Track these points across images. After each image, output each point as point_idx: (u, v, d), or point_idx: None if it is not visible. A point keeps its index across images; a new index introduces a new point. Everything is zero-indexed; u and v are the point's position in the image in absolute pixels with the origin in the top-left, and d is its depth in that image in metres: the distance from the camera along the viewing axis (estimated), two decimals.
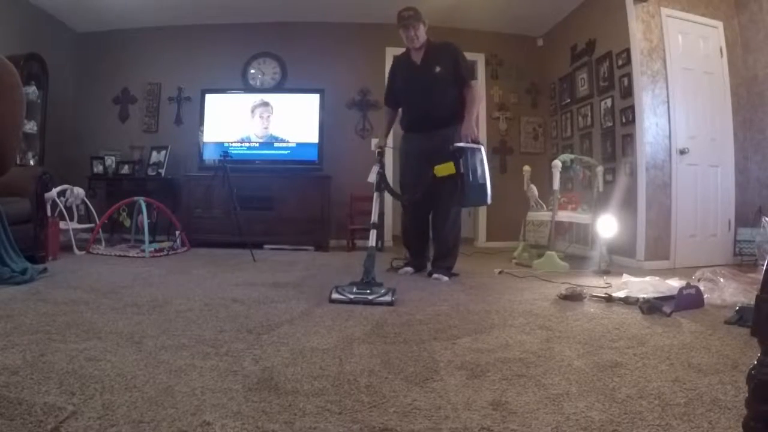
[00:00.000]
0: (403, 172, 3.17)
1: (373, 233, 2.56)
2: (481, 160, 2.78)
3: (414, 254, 3.19)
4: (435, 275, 2.89)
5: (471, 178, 2.74)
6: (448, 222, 2.97)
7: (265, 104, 4.93)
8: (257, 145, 4.90)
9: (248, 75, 5.30)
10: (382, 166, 2.84)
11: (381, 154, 2.98)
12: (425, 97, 2.97)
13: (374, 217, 2.60)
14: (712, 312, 2.03)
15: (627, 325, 1.83)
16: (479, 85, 2.97)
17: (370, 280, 2.31)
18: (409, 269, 3.13)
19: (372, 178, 2.78)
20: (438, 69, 2.94)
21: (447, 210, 2.94)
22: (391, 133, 3.36)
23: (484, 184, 2.77)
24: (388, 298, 2.10)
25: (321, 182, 4.73)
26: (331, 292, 2.17)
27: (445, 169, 2.76)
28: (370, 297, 2.11)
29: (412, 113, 3.11)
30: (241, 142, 4.88)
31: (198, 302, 2.08)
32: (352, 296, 2.13)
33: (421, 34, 2.97)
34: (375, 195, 2.74)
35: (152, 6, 4.79)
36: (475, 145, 2.81)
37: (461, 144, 2.81)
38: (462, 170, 2.74)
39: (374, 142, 5.21)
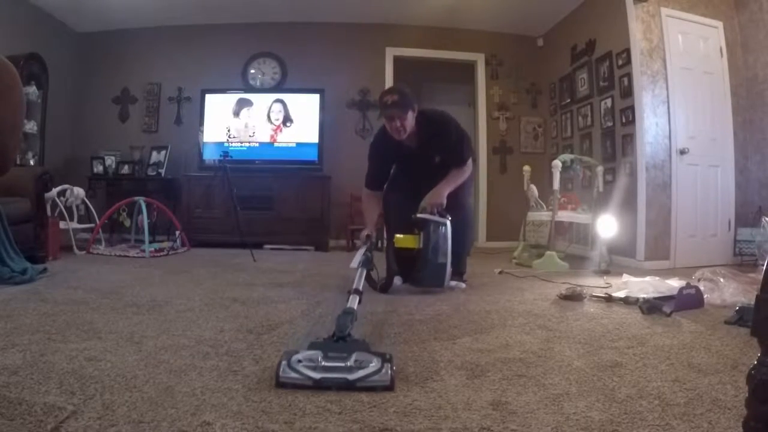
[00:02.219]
0: (390, 206, 2.70)
1: (354, 298, 1.64)
2: (445, 236, 2.40)
3: (404, 271, 2.60)
4: (452, 283, 2.57)
5: (430, 255, 2.38)
6: (467, 235, 2.74)
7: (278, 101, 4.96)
8: (257, 144, 4.90)
9: (248, 75, 5.30)
10: (370, 249, 2.34)
11: (369, 238, 2.47)
12: (427, 183, 2.53)
13: (357, 285, 1.81)
14: (712, 312, 2.03)
15: (627, 325, 1.83)
16: (468, 167, 2.61)
17: (346, 337, 1.31)
18: (397, 282, 2.57)
19: (356, 263, 2.19)
20: (438, 159, 2.55)
21: (459, 235, 2.57)
22: None
23: (444, 264, 2.40)
24: (384, 376, 1.15)
25: (321, 182, 4.73)
26: (279, 365, 1.17)
27: (405, 241, 2.44)
28: (351, 377, 1.13)
29: (407, 189, 2.65)
30: (241, 142, 4.88)
31: (198, 302, 2.08)
32: (317, 376, 1.14)
33: (409, 124, 2.44)
34: (359, 271, 2.04)
35: (152, 6, 4.79)
36: (440, 219, 2.42)
37: (424, 215, 2.43)
38: (421, 245, 2.39)
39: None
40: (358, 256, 2.23)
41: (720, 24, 3.96)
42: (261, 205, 4.56)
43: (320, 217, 4.66)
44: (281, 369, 1.16)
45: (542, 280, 2.91)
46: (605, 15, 4.17)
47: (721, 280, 2.33)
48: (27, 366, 1.21)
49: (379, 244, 3.56)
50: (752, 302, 0.82)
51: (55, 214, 3.72)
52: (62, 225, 3.71)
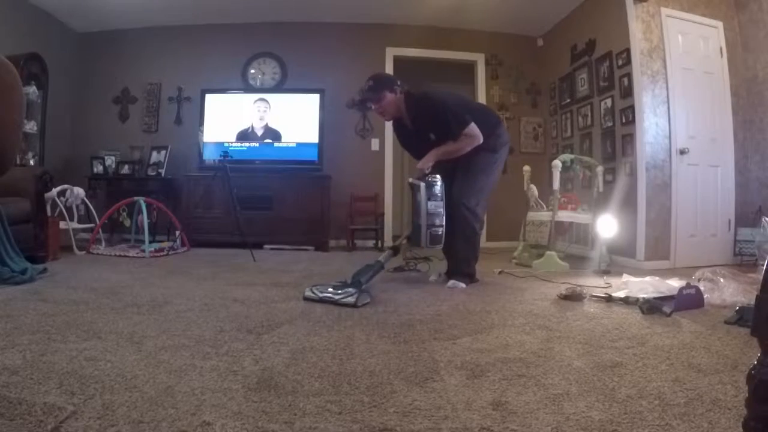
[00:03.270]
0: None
1: (387, 254, 2.57)
2: (419, 199, 2.55)
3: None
4: (450, 282, 2.64)
5: (413, 217, 2.62)
6: (458, 225, 2.66)
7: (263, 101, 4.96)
8: (257, 145, 4.91)
9: (248, 75, 5.30)
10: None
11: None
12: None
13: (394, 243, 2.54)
14: (712, 312, 2.03)
15: (627, 325, 1.83)
16: (472, 134, 2.59)
17: (354, 281, 2.24)
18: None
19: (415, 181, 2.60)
20: (433, 137, 2.66)
21: (461, 231, 2.66)
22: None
23: (419, 226, 2.56)
24: (351, 299, 2.04)
25: (321, 182, 4.73)
26: (306, 290, 2.22)
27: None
28: (335, 297, 2.08)
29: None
30: (241, 142, 4.89)
31: (198, 302, 2.08)
32: (321, 295, 2.13)
33: (389, 105, 2.67)
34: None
35: (152, 6, 4.79)
36: (415, 181, 2.59)
37: (411, 180, 2.66)
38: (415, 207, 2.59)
39: (375, 141, 5.24)
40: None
41: (720, 24, 3.96)
42: (261, 205, 4.56)
43: (320, 217, 4.66)
44: (306, 291, 2.20)
45: (542, 280, 2.91)
46: (605, 15, 4.17)
47: (721, 280, 2.33)
48: (27, 366, 1.21)
49: (379, 245, 3.73)
50: (752, 302, 0.82)
51: (55, 214, 3.72)
52: (62, 225, 3.71)
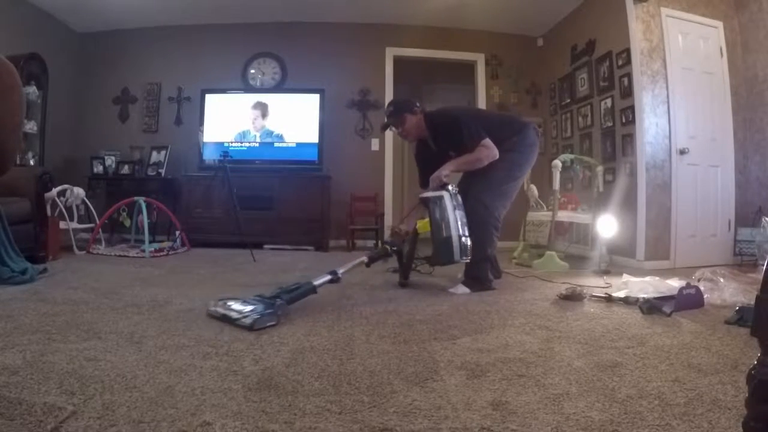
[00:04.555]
0: None
1: (323, 277, 2.15)
2: (443, 208, 2.37)
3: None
4: (450, 289, 2.52)
5: (434, 232, 2.39)
6: (478, 235, 2.53)
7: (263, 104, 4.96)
8: (257, 145, 4.91)
9: (248, 75, 5.30)
10: (389, 243, 2.58)
11: (396, 233, 2.70)
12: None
13: (338, 269, 2.21)
14: (712, 312, 2.03)
15: (627, 325, 1.83)
16: (487, 146, 2.54)
17: (271, 297, 1.89)
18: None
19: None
20: (453, 154, 2.64)
21: (474, 234, 2.51)
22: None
23: (448, 238, 2.34)
24: (247, 321, 1.66)
25: (321, 182, 4.73)
26: (211, 303, 1.91)
27: (424, 226, 2.52)
28: (233, 316, 1.72)
29: None
30: (241, 142, 4.89)
31: (198, 302, 2.08)
32: (222, 311, 1.79)
33: (411, 127, 2.71)
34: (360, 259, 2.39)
35: (152, 6, 4.79)
36: (435, 193, 2.44)
37: (425, 194, 2.51)
38: (432, 226, 2.42)
39: (375, 141, 5.24)
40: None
41: (720, 24, 3.96)
42: (261, 205, 4.56)
43: (320, 217, 4.66)
44: (210, 304, 1.90)
45: (542, 280, 2.91)
46: (605, 15, 4.17)
47: (721, 280, 2.33)
48: (27, 366, 1.21)
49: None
50: (752, 302, 0.82)
51: (55, 214, 3.72)
52: (62, 225, 3.71)
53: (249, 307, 1.77)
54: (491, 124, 2.68)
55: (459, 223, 2.36)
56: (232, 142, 4.86)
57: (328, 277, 2.13)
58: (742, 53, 4.02)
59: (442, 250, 2.39)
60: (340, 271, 2.20)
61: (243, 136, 4.91)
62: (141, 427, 0.91)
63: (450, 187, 2.45)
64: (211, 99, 4.96)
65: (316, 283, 2.06)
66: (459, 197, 2.45)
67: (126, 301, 2.06)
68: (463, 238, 2.36)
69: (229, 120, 4.94)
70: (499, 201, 2.62)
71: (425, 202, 2.50)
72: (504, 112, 2.82)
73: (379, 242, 2.60)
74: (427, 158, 2.81)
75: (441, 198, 2.40)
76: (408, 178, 6.16)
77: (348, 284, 2.52)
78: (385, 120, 2.86)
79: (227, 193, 3.92)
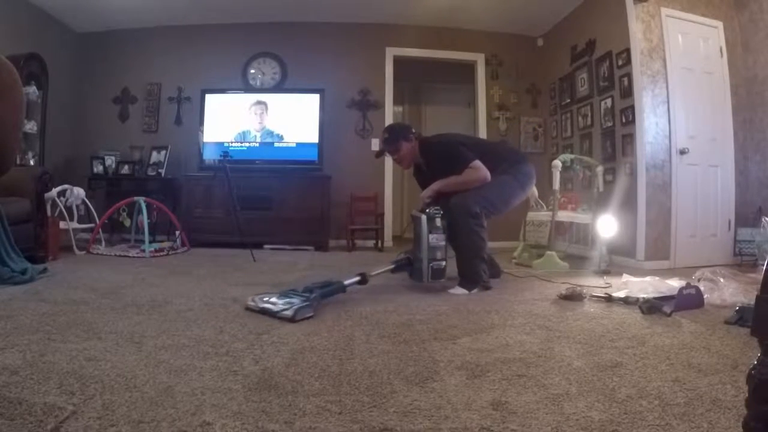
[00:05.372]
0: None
1: (353, 278, 2.30)
2: (420, 231, 2.48)
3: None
4: (449, 291, 2.50)
5: (414, 251, 2.53)
6: (461, 234, 2.57)
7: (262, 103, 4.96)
8: (257, 145, 4.91)
9: (248, 75, 5.30)
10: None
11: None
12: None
13: (368, 272, 2.35)
14: (712, 312, 2.03)
15: (627, 325, 1.83)
16: (477, 168, 2.59)
17: (305, 290, 2.03)
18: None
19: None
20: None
21: (462, 232, 2.57)
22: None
23: (421, 260, 2.47)
24: (288, 312, 1.80)
25: (321, 182, 4.73)
26: (248, 299, 2.02)
27: None
28: (274, 309, 1.85)
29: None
30: (241, 142, 4.89)
31: (198, 302, 2.08)
32: (261, 305, 1.92)
33: (406, 154, 2.77)
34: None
35: (152, 6, 4.79)
36: (416, 214, 2.56)
37: (413, 212, 2.62)
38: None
39: (375, 141, 5.23)
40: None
41: (720, 24, 3.96)
42: (261, 205, 4.56)
43: (320, 217, 4.66)
44: (248, 300, 2.00)
45: (542, 280, 2.91)
46: (605, 15, 4.17)
47: (721, 280, 2.33)
48: (27, 366, 1.21)
49: (379, 245, 3.63)
50: (752, 302, 0.82)
51: (55, 214, 3.72)
52: (62, 225, 3.71)
53: (286, 300, 1.91)
54: (486, 150, 2.73)
55: (432, 247, 2.46)
56: (232, 142, 4.85)
57: (357, 278, 2.27)
58: (742, 53, 4.02)
59: (415, 269, 2.55)
60: (372, 273, 2.36)
61: (243, 136, 4.91)
62: (141, 427, 0.91)
63: (430, 210, 2.51)
64: (211, 99, 4.95)
65: (346, 282, 2.19)
66: (438, 220, 2.49)
67: (126, 301, 2.06)
68: (435, 263, 2.47)
69: (229, 120, 4.93)
70: (480, 201, 2.55)
71: (412, 218, 2.63)
72: (507, 145, 2.86)
73: (402, 253, 2.63)
74: (421, 181, 2.88)
75: (419, 220, 2.51)
76: (408, 179, 6.15)
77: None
78: (381, 146, 2.88)
79: (227, 193, 3.93)
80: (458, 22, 5.16)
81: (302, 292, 2.00)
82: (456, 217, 2.54)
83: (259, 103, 4.97)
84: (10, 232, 2.61)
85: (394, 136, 2.79)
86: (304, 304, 1.86)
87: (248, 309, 1.94)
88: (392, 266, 2.55)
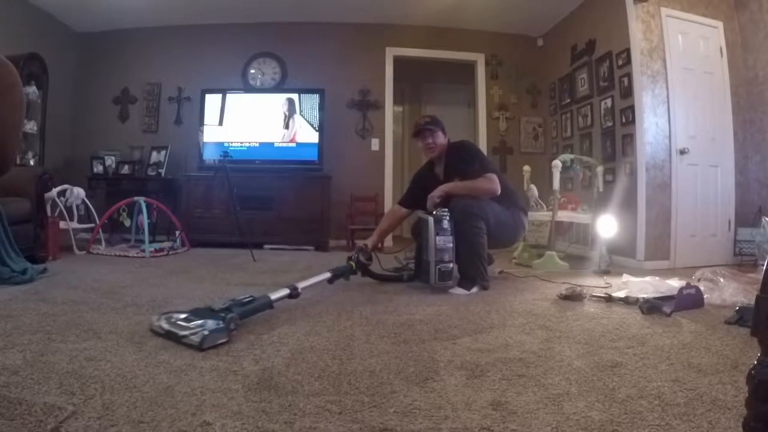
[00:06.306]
0: None
1: (280, 291, 1.97)
2: (428, 233, 2.45)
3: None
4: (450, 291, 2.50)
5: (422, 253, 2.54)
6: (462, 234, 2.53)
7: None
8: (257, 145, 4.90)
9: (248, 75, 5.30)
10: (352, 258, 2.59)
11: (360, 249, 2.68)
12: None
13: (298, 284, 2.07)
14: (712, 312, 2.03)
15: (627, 325, 1.83)
16: (491, 179, 2.61)
17: (221, 310, 1.64)
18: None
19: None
20: (458, 180, 2.68)
21: (461, 231, 2.54)
22: None
23: (428, 263, 2.46)
24: (196, 338, 1.44)
25: (321, 182, 4.73)
26: (154, 318, 1.65)
27: None
28: (180, 333, 1.49)
29: None
30: (241, 142, 4.89)
31: (198, 302, 2.08)
32: (167, 327, 1.55)
33: (440, 140, 2.77)
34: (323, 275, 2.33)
35: (152, 6, 4.79)
36: (423, 216, 2.56)
37: (420, 215, 2.62)
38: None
39: (375, 141, 5.24)
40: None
41: (720, 24, 3.96)
42: (261, 205, 4.56)
43: (320, 217, 4.66)
44: (153, 318, 1.64)
45: (542, 280, 2.91)
46: (605, 15, 4.17)
47: (721, 280, 2.33)
48: (27, 366, 1.21)
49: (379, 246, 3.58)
50: (752, 302, 0.82)
51: (55, 214, 3.72)
52: (62, 225, 3.71)
53: (197, 323, 1.54)
54: (502, 181, 2.71)
55: (439, 249, 2.43)
56: (232, 142, 4.86)
57: (287, 291, 1.96)
58: (742, 53, 4.02)
59: (423, 271, 2.56)
60: (301, 285, 2.05)
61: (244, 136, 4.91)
62: (141, 427, 0.91)
63: (437, 212, 2.49)
64: (211, 99, 4.95)
65: (273, 297, 1.88)
66: (445, 222, 2.46)
67: (126, 301, 2.06)
68: (442, 265, 2.44)
69: (229, 120, 4.93)
70: (480, 206, 2.55)
71: (419, 223, 2.62)
72: (515, 191, 2.89)
73: (348, 258, 2.58)
74: (422, 184, 2.85)
75: (426, 222, 2.49)
76: (408, 179, 6.15)
77: (348, 284, 2.53)
78: (423, 124, 2.81)
79: (227, 193, 3.92)
80: (458, 22, 5.16)
81: (219, 311, 1.63)
82: (457, 217, 2.53)
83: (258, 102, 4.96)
84: (10, 232, 2.61)
85: (438, 122, 2.82)
86: (218, 327, 1.51)
87: (152, 331, 1.59)
88: (329, 275, 2.35)
